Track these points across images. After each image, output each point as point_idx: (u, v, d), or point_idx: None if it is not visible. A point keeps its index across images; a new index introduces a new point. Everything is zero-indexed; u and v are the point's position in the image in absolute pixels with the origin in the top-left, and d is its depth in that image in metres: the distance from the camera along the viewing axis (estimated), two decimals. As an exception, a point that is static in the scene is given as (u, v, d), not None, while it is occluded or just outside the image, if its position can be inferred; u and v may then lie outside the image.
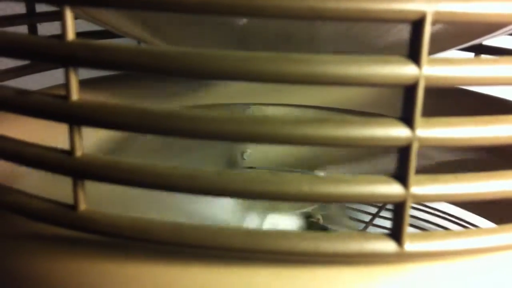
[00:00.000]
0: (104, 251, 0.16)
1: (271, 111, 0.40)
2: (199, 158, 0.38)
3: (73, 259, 0.16)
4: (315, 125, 0.14)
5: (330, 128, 0.13)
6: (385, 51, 0.24)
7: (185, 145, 0.36)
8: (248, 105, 0.40)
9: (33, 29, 0.29)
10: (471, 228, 0.35)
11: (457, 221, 0.41)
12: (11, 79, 0.26)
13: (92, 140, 0.29)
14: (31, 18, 0.29)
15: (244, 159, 0.41)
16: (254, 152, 0.41)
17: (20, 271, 0.16)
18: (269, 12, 0.13)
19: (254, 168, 0.41)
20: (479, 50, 0.37)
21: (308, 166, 0.39)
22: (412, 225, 0.42)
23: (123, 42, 0.31)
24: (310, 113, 0.39)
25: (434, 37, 0.23)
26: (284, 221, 0.41)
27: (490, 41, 0.33)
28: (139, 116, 0.14)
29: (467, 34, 0.24)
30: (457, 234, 0.14)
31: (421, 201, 0.14)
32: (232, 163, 0.41)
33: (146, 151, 0.34)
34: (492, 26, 0.21)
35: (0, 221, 0.17)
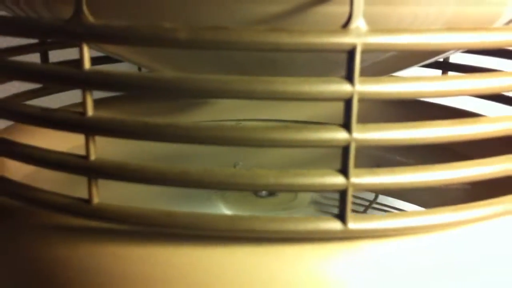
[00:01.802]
0: (113, 235, 0.19)
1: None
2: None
3: (88, 244, 0.20)
4: (279, 131, 0.18)
5: (290, 133, 0.17)
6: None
7: (184, 160, 0.41)
8: (239, 120, 0.44)
9: (45, 56, 0.34)
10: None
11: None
12: (29, 99, 0.30)
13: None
14: (44, 46, 0.33)
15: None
16: (245, 164, 0.45)
17: (45, 256, 0.20)
18: (241, 46, 0.17)
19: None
20: (446, 67, 0.41)
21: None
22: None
23: (122, 67, 0.35)
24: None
25: (390, 59, 0.27)
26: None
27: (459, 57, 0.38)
28: (140, 127, 0.18)
29: (417, 56, 0.28)
30: (393, 215, 0.18)
31: (361, 189, 0.18)
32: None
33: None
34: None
35: (29, 214, 0.21)
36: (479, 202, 0.20)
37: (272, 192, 0.39)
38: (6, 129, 0.30)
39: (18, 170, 0.27)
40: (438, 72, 0.42)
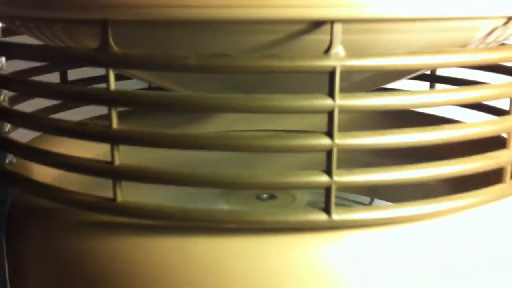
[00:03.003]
0: (135, 229, 0.23)
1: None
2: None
3: (113, 236, 0.23)
4: (273, 139, 0.21)
5: (282, 140, 0.21)
6: (352, 87, 0.32)
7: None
8: (238, 131, 0.48)
9: (64, 75, 0.37)
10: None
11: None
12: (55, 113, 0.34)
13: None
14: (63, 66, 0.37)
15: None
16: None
17: (75, 248, 0.24)
18: (241, 70, 0.20)
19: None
20: (433, 79, 0.45)
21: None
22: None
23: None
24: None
25: (376, 75, 0.30)
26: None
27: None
28: (157, 137, 0.21)
29: (398, 73, 0.32)
30: (372, 208, 0.22)
31: (342, 186, 0.21)
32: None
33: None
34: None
35: (60, 212, 0.25)
36: (447, 196, 0.23)
37: (272, 195, 0.42)
38: (36, 139, 0.34)
39: (47, 173, 0.31)
40: (426, 84, 0.45)
